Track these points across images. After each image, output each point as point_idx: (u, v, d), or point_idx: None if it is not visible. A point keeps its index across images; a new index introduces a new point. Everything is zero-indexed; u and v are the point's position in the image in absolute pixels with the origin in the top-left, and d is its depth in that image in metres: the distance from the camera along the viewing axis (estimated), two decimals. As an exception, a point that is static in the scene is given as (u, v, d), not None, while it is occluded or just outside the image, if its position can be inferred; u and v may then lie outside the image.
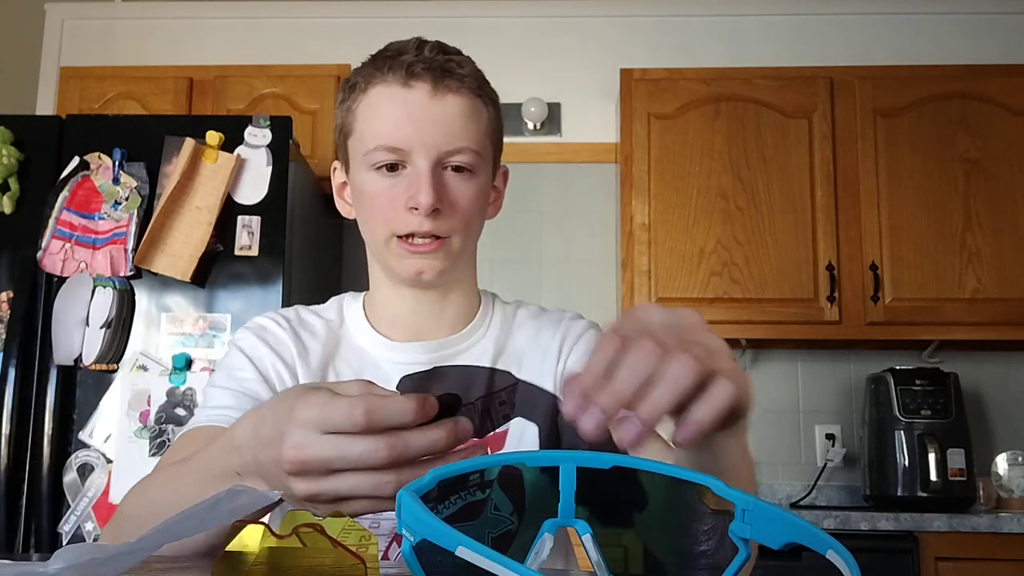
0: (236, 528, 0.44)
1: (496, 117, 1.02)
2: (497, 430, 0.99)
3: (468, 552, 0.37)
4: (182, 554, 0.70)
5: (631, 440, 0.47)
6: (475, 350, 1.03)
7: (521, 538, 0.44)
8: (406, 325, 1.03)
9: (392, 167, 0.96)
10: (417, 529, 0.39)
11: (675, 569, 0.45)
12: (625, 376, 0.48)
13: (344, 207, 1.07)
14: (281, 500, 0.55)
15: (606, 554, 0.44)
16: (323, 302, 1.11)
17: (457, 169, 0.96)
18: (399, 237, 0.96)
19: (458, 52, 1.00)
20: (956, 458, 2.71)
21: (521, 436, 0.98)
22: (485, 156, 0.99)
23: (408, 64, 0.95)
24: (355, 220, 1.05)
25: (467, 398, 1.00)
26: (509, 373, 1.02)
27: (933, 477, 2.68)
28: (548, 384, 1.01)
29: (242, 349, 1.02)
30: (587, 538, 0.44)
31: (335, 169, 1.07)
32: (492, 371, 1.02)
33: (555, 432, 1.00)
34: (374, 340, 1.03)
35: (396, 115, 0.95)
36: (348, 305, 1.08)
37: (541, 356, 1.03)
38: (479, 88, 0.99)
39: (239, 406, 0.96)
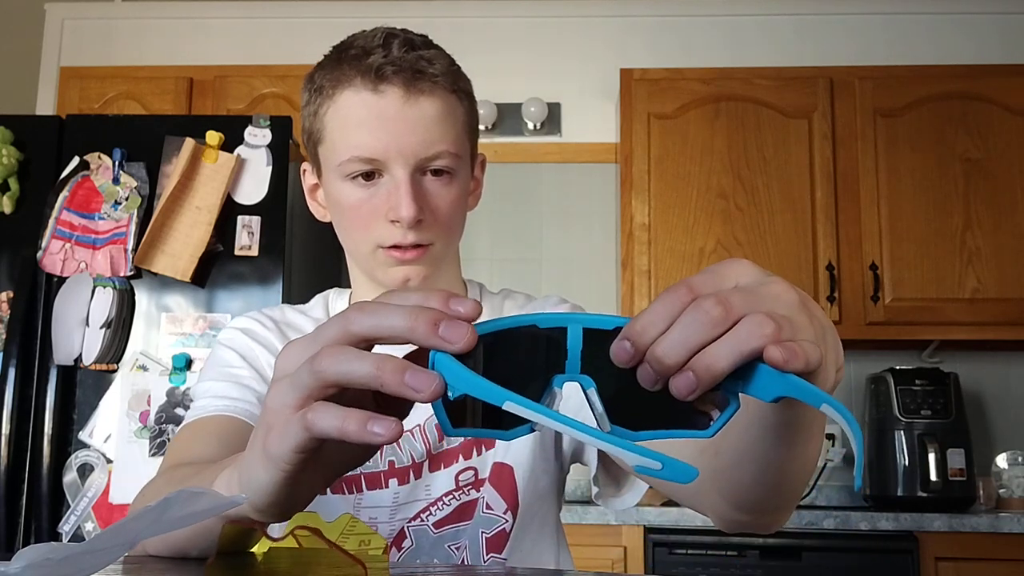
0: (228, 531, 0.44)
1: (471, 109, 0.97)
2: None
3: (515, 406, 0.43)
4: (174, 555, 0.69)
5: (684, 394, 0.45)
6: None
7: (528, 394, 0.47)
8: None
9: (368, 175, 0.92)
10: (457, 386, 0.43)
11: (670, 420, 0.48)
12: (675, 339, 0.44)
13: (318, 210, 1.03)
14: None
15: (607, 406, 0.47)
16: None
17: (436, 173, 0.92)
18: (383, 247, 0.93)
19: (427, 43, 0.94)
20: (956, 458, 2.71)
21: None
22: (463, 154, 0.95)
23: (377, 67, 0.89)
24: (331, 223, 1.02)
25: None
26: None
27: (933, 477, 2.68)
28: None
29: (233, 348, 1.00)
30: (591, 392, 0.47)
31: (305, 171, 1.03)
32: None
33: None
34: None
35: (368, 124, 0.89)
36: (333, 303, 1.06)
37: None
38: (453, 84, 0.93)
39: (243, 397, 0.93)
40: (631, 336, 0.45)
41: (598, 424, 0.47)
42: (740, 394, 0.46)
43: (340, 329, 0.47)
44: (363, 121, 0.90)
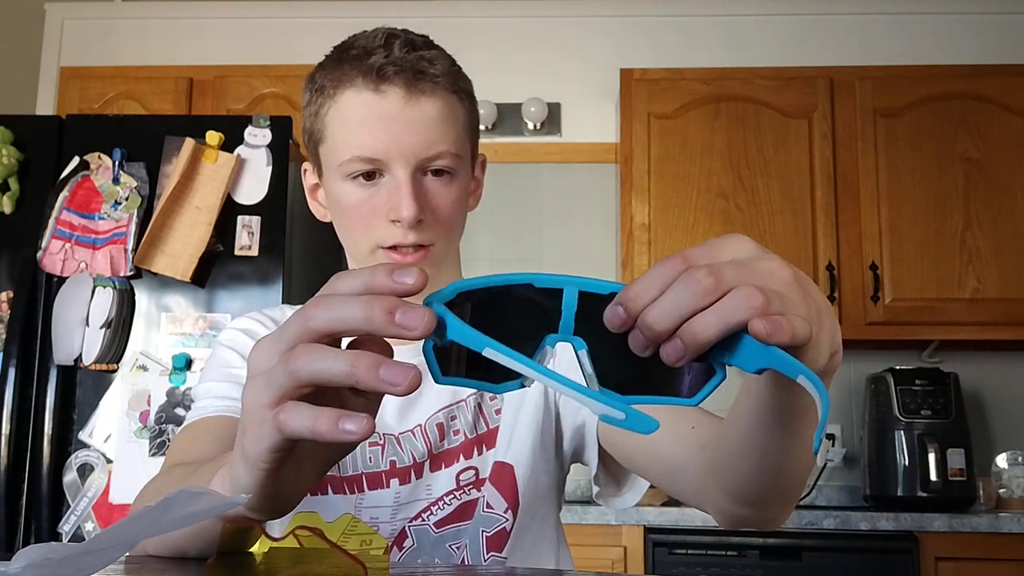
0: (228, 530, 0.44)
1: (472, 109, 0.97)
2: (490, 427, 0.98)
3: (495, 353, 0.44)
4: (173, 555, 0.69)
5: (672, 361, 0.46)
6: None
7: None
8: None
9: (369, 175, 0.92)
10: (443, 332, 0.45)
11: (658, 386, 0.48)
12: (666, 306, 0.45)
13: (318, 209, 1.03)
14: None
15: (598, 370, 0.48)
16: None
17: (437, 173, 0.92)
18: (383, 248, 0.93)
19: (428, 44, 0.94)
20: (956, 458, 2.71)
21: (513, 429, 0.98)
22: (464, 155, 0.95)
23: (379, 67, 0.89)
24: (331, 223, 1.02)
25: (459, 396, 0.99)
26: None
27: (933, 477, 2.68)
28: None
29: (234, 348, 1.00)
30: (582, 353, 0.48)
31: (306, 171, 1.03)
32: None
33: (550, 409, 1.00)
34: None
35: (370, 124, 0.90)
36: None
37: None
38: (454, 85, 0.93)
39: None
40: (624, 301, 0.46)
41: (587, 386, 0.48)
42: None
43: (301, 327, 0.47)
44: (364, 121, 0.90)
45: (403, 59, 0.90)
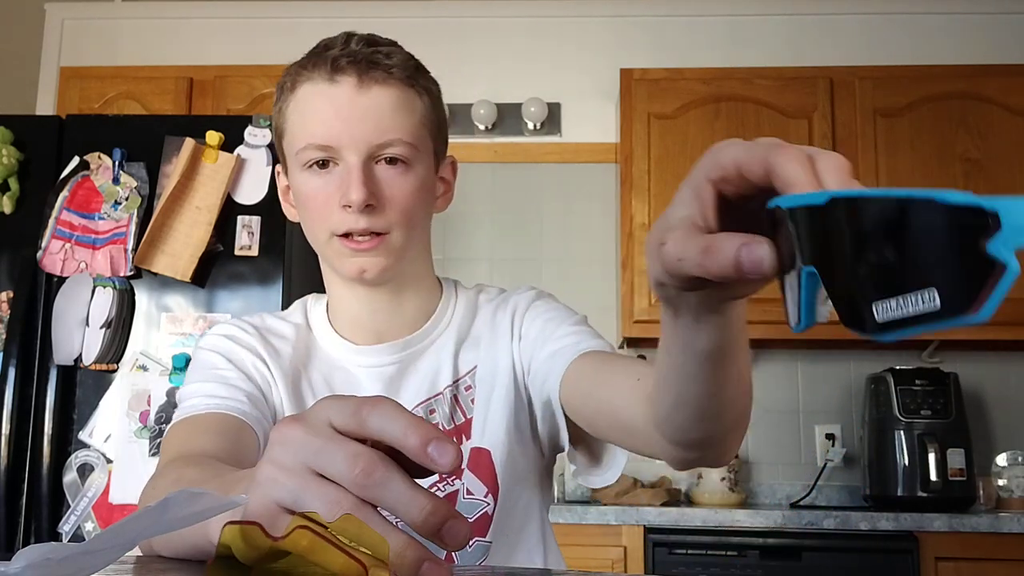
0: (227, 531, 0.44)
1: (433, 106, 0.99)
2: (467, 417, 1.00)
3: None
4: (175, 555, 0.70)
5: None
6: (439, 342, 1.03)
7: None
8: (366, 326, 1.02)
9: (323, 164, 0.94)
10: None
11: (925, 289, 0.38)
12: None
13: (289, 211, 1.05)
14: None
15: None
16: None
17: (391, 162, 0.94)
18: (339, 236, 0.94)
19: (390, 43, 0.97)
20: (956, 458, 2.71)
21: (486, 415, 1.00)
22: (422, 147, 0.96)
23: (333, 59, 0.93)
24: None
25: (436, 389, 1.01)
26: (470, 356, 1.03)
27: (933, 477, 2.68)
28: (505, 357, 1.02)
29: (217, 351, 1.01)
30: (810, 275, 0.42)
31: (279, 173, 1.05)
32: (455, 358, 1.02)
33: (519, 396, 1.01)
34: (340, 345, 1.02)
35: (323, 112, 0.93)
36: (312, 308, 1.07)
37: (497, 333, 1.04)
38: (410, 78, 0.95)
39: (232, 396, 0.94)
40: None
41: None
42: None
43: (348, 471, 0.46)
44: (318, 110, 0.94)
45: (358, 51, 0.93)
